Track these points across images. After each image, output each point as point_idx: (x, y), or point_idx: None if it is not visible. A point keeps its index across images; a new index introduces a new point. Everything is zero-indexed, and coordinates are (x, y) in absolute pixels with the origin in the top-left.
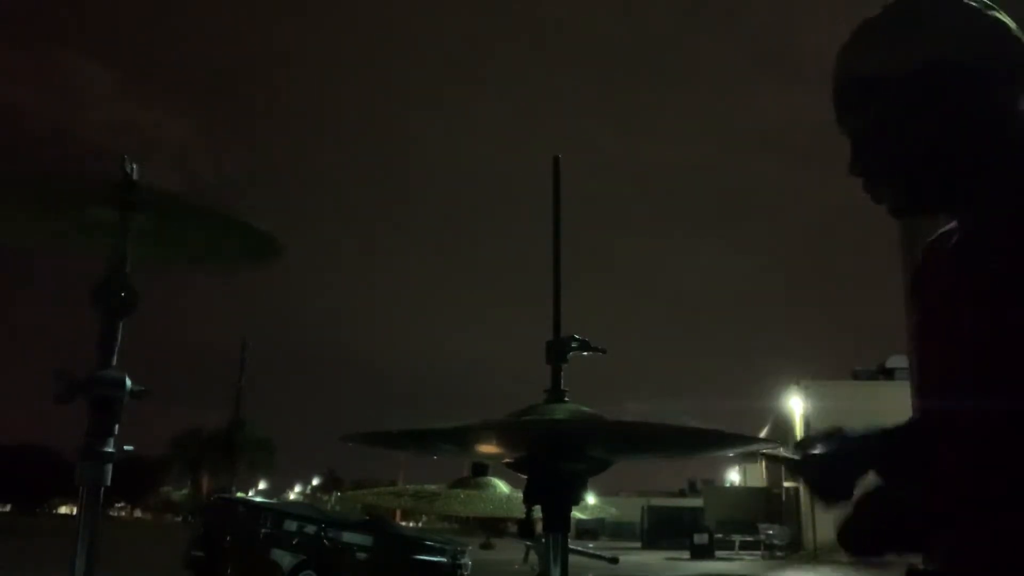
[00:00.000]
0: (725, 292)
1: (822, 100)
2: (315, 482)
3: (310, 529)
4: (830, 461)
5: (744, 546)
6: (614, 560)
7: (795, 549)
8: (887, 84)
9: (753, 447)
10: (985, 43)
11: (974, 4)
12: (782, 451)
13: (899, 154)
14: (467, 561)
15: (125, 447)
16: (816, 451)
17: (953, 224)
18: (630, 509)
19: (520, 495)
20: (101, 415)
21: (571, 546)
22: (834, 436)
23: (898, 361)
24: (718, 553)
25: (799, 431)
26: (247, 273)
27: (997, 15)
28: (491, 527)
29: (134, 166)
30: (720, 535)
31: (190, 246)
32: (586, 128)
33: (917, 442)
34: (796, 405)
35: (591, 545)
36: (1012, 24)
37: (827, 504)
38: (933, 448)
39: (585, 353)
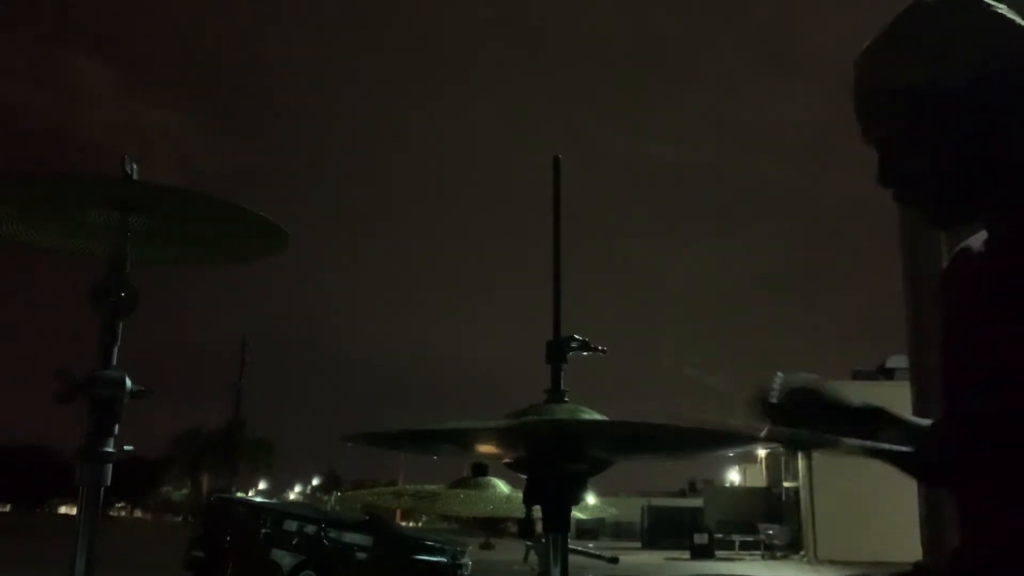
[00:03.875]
0: (725, 292)
1: (823, 99)
2: (315, 482)
3: (310, 529)
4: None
5: (744, 546)
6: (614, 560)
7: (795, 549)
8: (918, 94)
9: (753, 447)
10: (1016, 50)
11: (996, 9)
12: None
13: (933, 167)
14: (467, 561)
15: (125, 447)
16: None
17: (983, 233)
18: (630, 509)
19: (520, 495)
20: (101, 415)
21: (571, 546)
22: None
23: (898, 361)
24: (718, 553)
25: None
26: (253, 264)
27: (1017, 20)
28: (491, 527)
29: (134, 166)
30: (720, 535)
31: (194, 240)
32: (586, 127)
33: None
34: None
35: (591, 545)
36: None
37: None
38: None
39: (585, 353)
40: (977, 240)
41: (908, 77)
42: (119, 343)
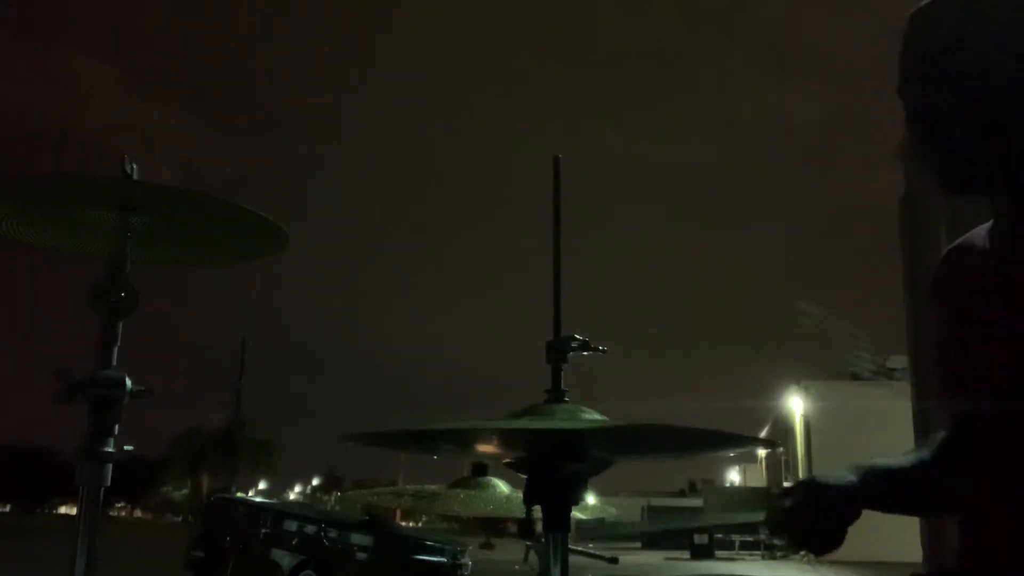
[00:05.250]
0: (726, 292)
1: (823, 99)
2: (315, 482)
3: (310, 529)
4: (803, 514)
5: (744, 546)
6: (614, 560)
7: (795, 549)
8: (959, 58)
9: (753, 447)
10: None
11: None
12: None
13: (958, 131)
14: (467, 561)
15: (125, 447)
16: (787, 504)
17: (981, 228)
18: (630, 509)
19: (520, 495)
20: (101, 415)
21: (571, 546)
22: (804, 487)
23: (898, 361)
24: (718, 553)
25: (799, 431)
26: (253, 264)
27: None
28: (491, 527)
29: (134, 166)
30: (720, 535)
31: (194, 240)
32: (587, 127)
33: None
34: (796, 405)
35: (591, 545)
36: None
37: (814, 552)
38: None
39: (585, 353)
40: (977, 235)
41: (948, 37)
42: (119, 343)
